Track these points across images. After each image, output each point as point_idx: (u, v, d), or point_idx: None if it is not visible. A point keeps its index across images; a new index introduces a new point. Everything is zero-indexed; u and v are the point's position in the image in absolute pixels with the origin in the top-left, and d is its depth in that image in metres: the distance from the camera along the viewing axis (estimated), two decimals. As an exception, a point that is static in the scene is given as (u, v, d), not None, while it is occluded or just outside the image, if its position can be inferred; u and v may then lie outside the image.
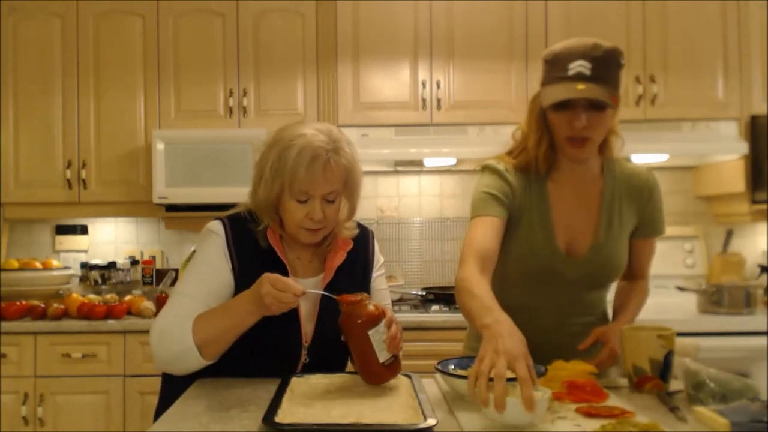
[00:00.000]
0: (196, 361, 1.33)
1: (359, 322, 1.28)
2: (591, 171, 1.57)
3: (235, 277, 1.42)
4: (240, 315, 1.32)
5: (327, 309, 1.45)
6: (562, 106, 1.43)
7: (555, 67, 1.44)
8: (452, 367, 1.33)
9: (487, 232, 1.46)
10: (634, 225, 1.59)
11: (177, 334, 1.33)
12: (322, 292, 1.37)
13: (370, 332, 1.28)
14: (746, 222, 3.15)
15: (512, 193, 1.51)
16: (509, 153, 1.59)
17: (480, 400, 1.04)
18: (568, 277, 1.53)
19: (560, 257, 1.52)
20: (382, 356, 1.29)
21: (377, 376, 1.30)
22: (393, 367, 1.32)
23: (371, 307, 1.29)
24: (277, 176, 1.38)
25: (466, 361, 1.35)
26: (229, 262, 1.42)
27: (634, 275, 1.66)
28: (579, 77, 1.40)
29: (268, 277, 1.27)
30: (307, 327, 1.45)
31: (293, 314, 1.42)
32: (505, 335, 1.12)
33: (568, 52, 1.42)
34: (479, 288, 1.31)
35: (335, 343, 1.44)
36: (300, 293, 1.27)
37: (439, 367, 1.30)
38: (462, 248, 1.46)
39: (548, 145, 1.51)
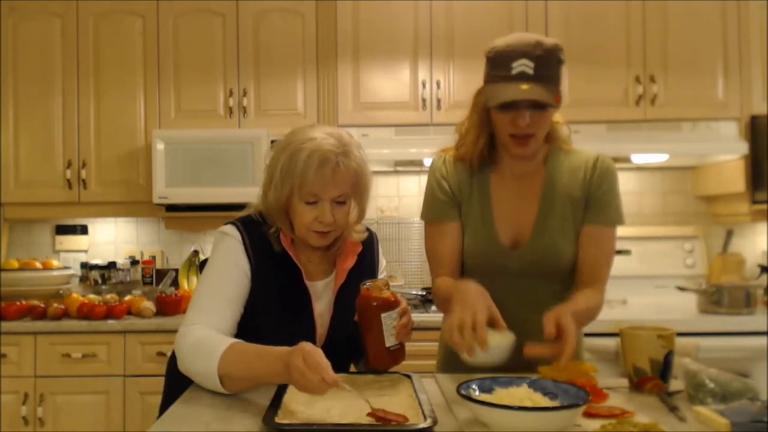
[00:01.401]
0: (216, 389, 1.29)
1: (374, 304, 1.35)
2: (534, 162, 1.57)
3: (251, 279, 1.43)
4: (269, 373, 1.23)
5: (341, 310, 1.46)
6: (506, 106, 1.45)
7: (498, 66, 1.46)
8: (474, 387, 1.17)
9: (441, 240, 1.56)
10: (581, 215, 1.53)
11: (205, 357, 1.28)
12: (351, 390, 1.18)
13: (383, 315, 1.35)
14: (746, 222, 3.15)
15: (451, 188, 1.58)
16: (455, 145, 1.63)
17: (457, 348, 1.24)
18: (513, 268, 1.52)
19: (502, 249, 1.52)
20: (390, 341, 1.36)
21: (382, 358, 1.38)
22: (398, 353, 1.39)
23: (388, 293, 1.37)
24: (287, 179, 1.38)
25: (488, 382, 1.18)
26: (247, 264, 1.42)
27: (588, 279, 1.53)
28: (522, 77, 1.42)
29: (303, 350, 1.16)
30: (321, 329, 1.46)
31: (308, 316, 1.43)
32: (470, 292, 1.31)
33: (510, 50, 1.44)
34: (446, 281, 1.50)
35: (348, 343, 1.46)
36: (330, 381, 1.12)
37: (462, 391, 1.12)
38: (427, 256, 1.60)
39: (486, 142, 1.55)
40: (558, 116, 1.56)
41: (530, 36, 1.45)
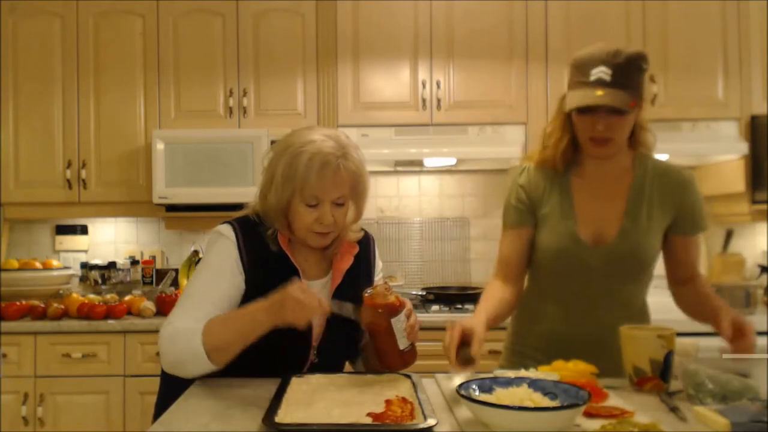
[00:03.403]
0: (206, 366, 1.31)
1: (381, 311, 1.35)
2: (620, 165, 1.64)
3: (246, 280, 1.42)
4: (251, 324, 1.30)
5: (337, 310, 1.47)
6: (584, 110, 1.52)
7: (578, 73, 1.53)
8: (474, 388, 1.16)
9: (510, 243, 1.67)
10: (668, 221, 1.64)
11: (187, 339, 1.32)
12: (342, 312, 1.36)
13: (393, 320, 1.35)
14: (746, 222, 3.15)
15: (527, 196, 1.66)
16: (541, 149, 1.70)
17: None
18: (594, 265, 1.58)
19: (583, 246, 1.59)
20: (402, 343, 1.38)
21: (398, 362, 1.39)
22: (411, 353, 1.41)
23: (392, 297, 1.37)
24: (287, 182, 1.39)
25: (488, 382, 1.18)
26: (240, 265, 1.42)
27: (686, 275, 1.68)
28: (599, 83, 1.49)
29: (297, 283, 1.28)
30: (317, 329, 1.46)
31: None
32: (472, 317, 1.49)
33: (590, 58, 1.51)
34: (485, 296, 1.62)
35: (344, 343, 1.48)
36: (324, 306, 1.28)
37: (462, 391, 1.11)
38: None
39: (567, 144, 1.62)
40: (643, 121, 1.62)
41: (611, 46, 1.52)
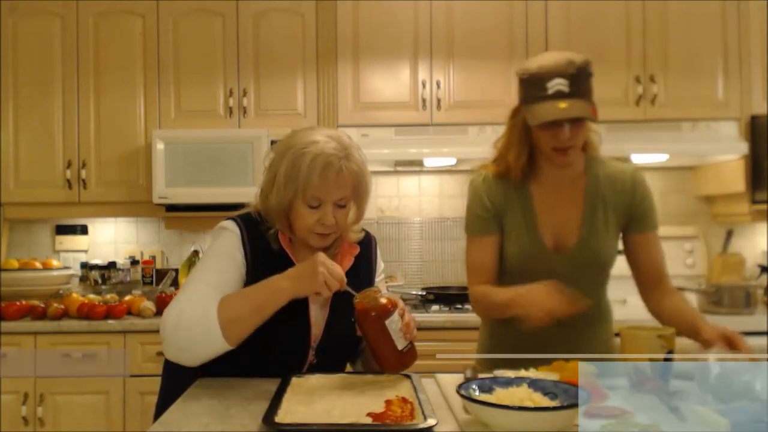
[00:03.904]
0: (219, 345, 1.30)
1: (374, 314, 1.34)
2: (574, 171, 1.66)
3: (246, 273, 1.43)
4: (271, 294, 1.31)
5: (336, 310, 1.46)
6: (549, 123, 1.52)
7: (534, 87, 1.52)
8: (474, 388, 1.16)
9: (481, 252, 1.67)
10: (623, 223, 1.66)
11: (199, 316, 1.30)
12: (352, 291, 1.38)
13: (387, 322, 1.34)
14: (746, 222, 3.15)
15: (492, 204, 1.67)
16: (493, 161, 1.72)
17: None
18: (558, 271, 1.58)
19: (547, 253, 1.62)
20: (400, 344, 1.36)
21: (398, 363, 1.38)
22: (411, 353, 1.40)
23: (384, 300, 1.36)
24: (290, 183, 1.39)
25: (488, 382, 1.17)
26: (243, 258, 1.43)
27: (653, 278, 1.68)
28: (559, 95, 1.49)
29: (322, 255, 1.33)
30: (316, 329, 1.46)
31: (303, 316, 1.43)
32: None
33: (544, 71, 1.51)
34: (493, 289, 1.59)
35: (342, 343, 1.48)
36: (343, 285, 1.33)
37: (462, 391, 1.10)
38: (466, 266, 1.70)
39: (527, 158, 1.64)
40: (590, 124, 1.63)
41: (560, 55, 1.52)
